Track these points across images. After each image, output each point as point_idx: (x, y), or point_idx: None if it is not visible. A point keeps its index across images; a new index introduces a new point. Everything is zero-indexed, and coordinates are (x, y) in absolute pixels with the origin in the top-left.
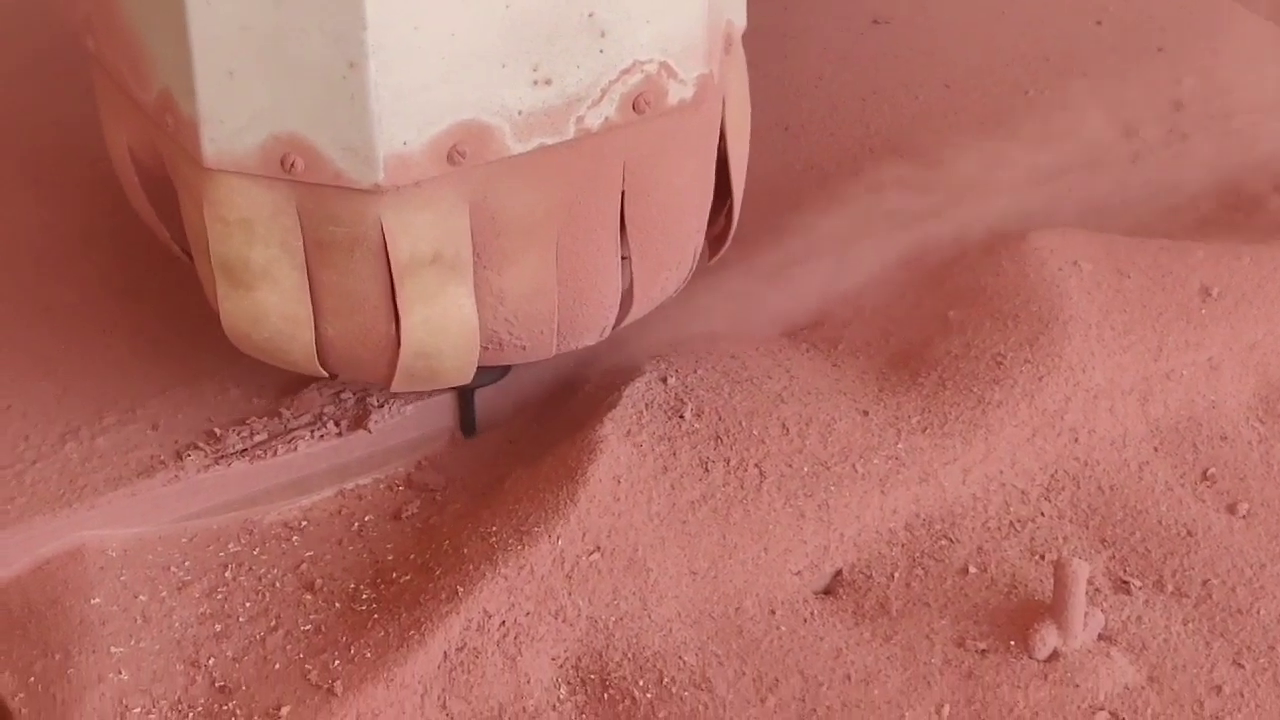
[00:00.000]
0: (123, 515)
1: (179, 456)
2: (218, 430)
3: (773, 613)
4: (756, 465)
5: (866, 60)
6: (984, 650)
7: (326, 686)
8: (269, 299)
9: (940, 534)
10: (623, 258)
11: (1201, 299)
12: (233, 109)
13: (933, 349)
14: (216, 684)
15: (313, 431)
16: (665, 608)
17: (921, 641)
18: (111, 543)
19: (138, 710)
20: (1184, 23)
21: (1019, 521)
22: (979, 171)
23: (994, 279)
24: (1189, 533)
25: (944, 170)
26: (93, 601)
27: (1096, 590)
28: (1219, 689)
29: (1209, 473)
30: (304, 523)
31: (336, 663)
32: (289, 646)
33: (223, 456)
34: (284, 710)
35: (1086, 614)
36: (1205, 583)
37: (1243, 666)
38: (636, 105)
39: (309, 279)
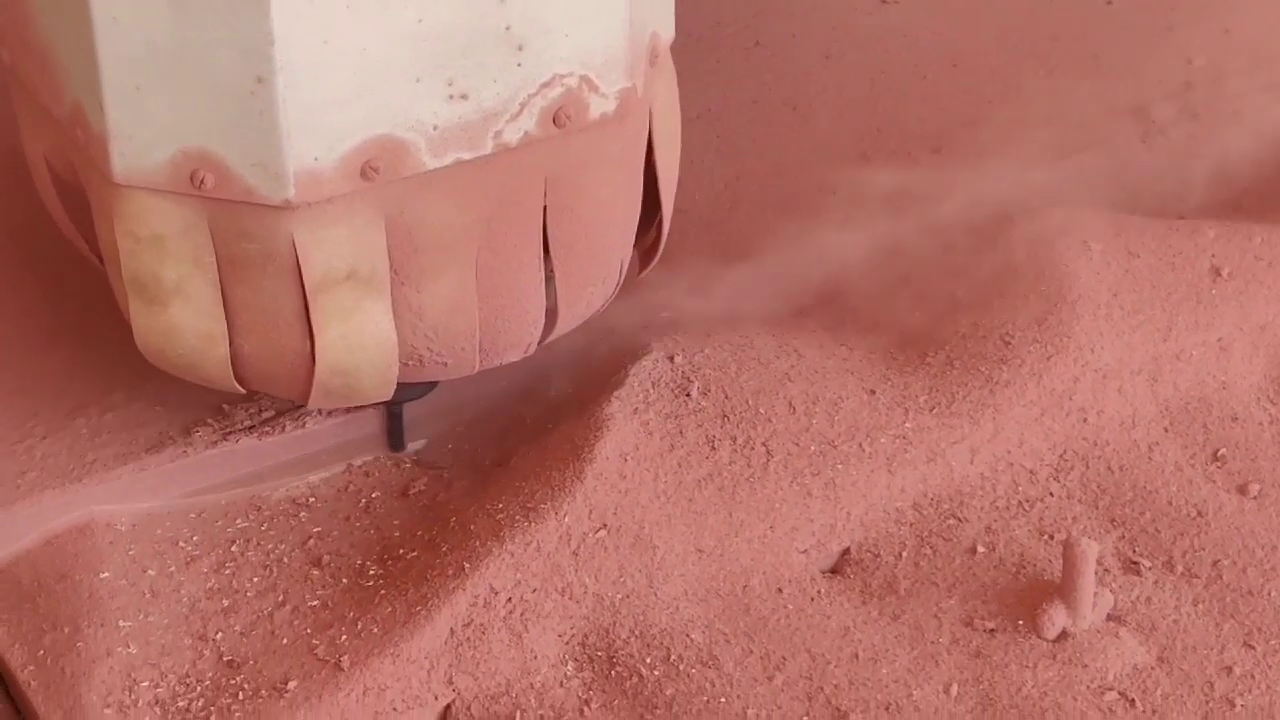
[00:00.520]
0: (131, 490)
1: (187, 432)
2: (226, 406)
3: (780, 591)
4: (763, 444)
5: (875, 39)
6: (992, 630)
7: (333, 661)
8: (182, 316)
9: (948, 513)
10: (548, 274)
11: (1212, 279)
12: (141, 124)
13: (941, 328)
14: (224, 658)
15: (321, 408)
16: (672, 585)
17: (929, 621)
18: (120, 518)
19: (146, 684)
20: (1195, 2)
21: (1028, 501)
22: (987, 151)
23: (1003, 258)
24: (1199, 513)
25: (952, 150)
26: (102, 576)
27: (1106, 570)
28: (1229, 670)
29: (1219, 453)
30: (311, 499)
31: (343, 638)
32: (296, 621)
33: (231, 432)
34: (291, 684)
35: (1095, 594)
36: (1215, 563)
37: (1253, 648)
38: (557, 119)
39: (223, 295)
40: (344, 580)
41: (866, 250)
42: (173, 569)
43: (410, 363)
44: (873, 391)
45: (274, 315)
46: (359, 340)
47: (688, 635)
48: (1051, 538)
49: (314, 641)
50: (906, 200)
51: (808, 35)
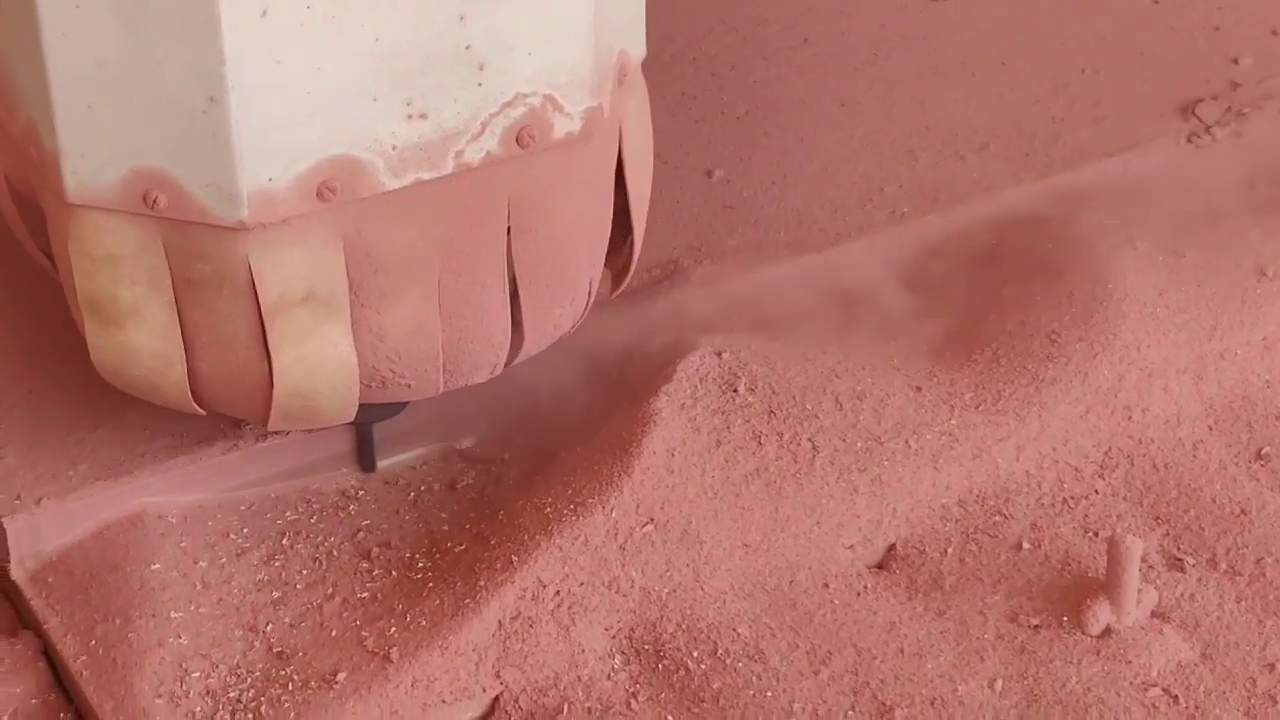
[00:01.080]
0: (182, 483)
1: (238, 425)
2: None
3: (826, 586)
4: (810, 439)
5: (923, 37)
6: (1037, 626)
7: (382, 653)
8: (138, 337)
9: (994, 510)
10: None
11: (1257, 279)
12: (93, 143)
13: (987, 325)
14: (274, 649)
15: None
16: (719, 580)
17: (975, 616)
18: (171, 509)
19: (197, 674)
20: (1241, 3)
21: (1073, 498)
22: (1035, 148)
23: (1049, 256)
24: (1243, 511)
25: (999, 147)
26: (153, 567)
27: (1150, 567)
28: (1272, 667)
29: (1263, 452)
30: (361, 492)
31: (393, 630)
32: (345, 613)
33: None
34: (340, 676)
35: (1140, 591)
36: (1259, 561)
37: None
38: (520, 139)
39: (179, 317)
40: (393, 573)
41: (913, 247)
42: (223, 561)
43: (373, 384)
44: (919, 388)
45: (231, 337)
46: (318, 362)
47: (734, 629)
48: (1096, 535)
49: (363, 633)
50: (953, 196)
51: (856, 33)
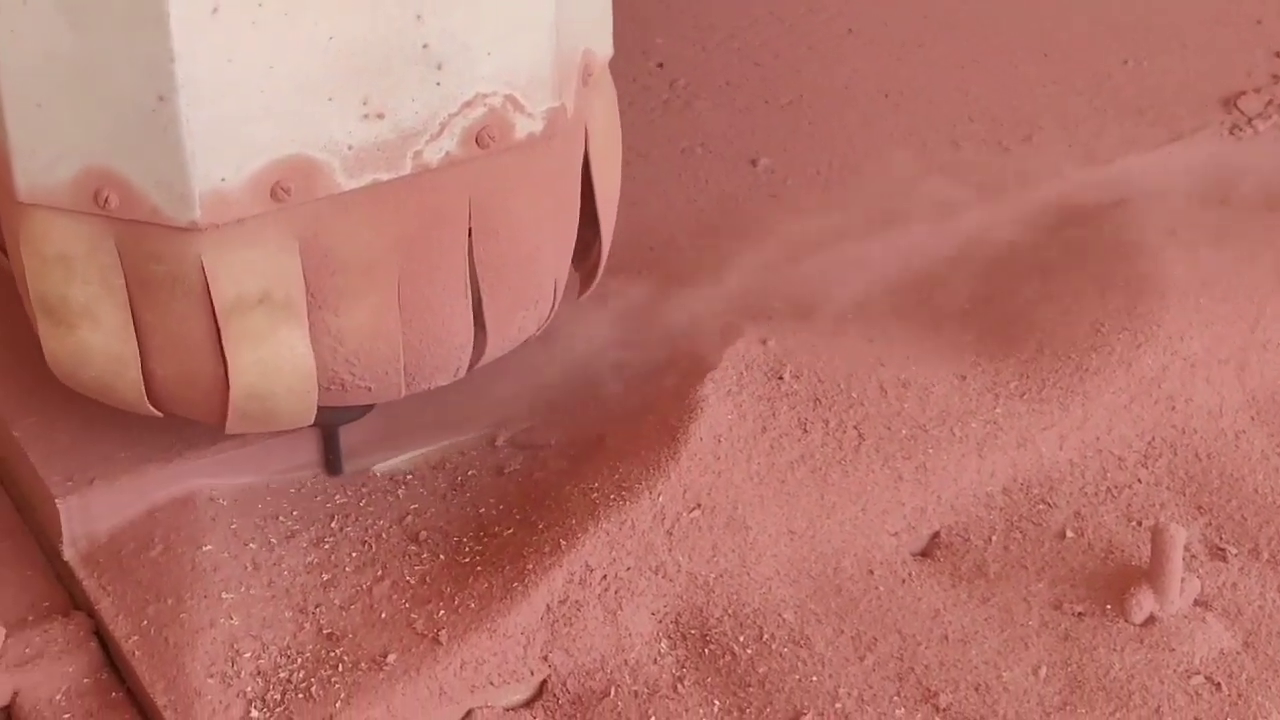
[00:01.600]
0: (232, 465)
1: None
2: None
3: (871, 573)
4: (855, 427)
5: (967, 28)
6: (1081, 613)
7: (431, 635)
8: (91, 338)
9: (1038, 498)
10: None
11: None
12: (43, 141)
13: (1031, 315)
14: (324, 631)
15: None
16: (764, 566)
17: (1019, 604)
18: (222, 492)
19: (248, 655)
20: None
21: (1116, 487)
22: (1078, 139)
23: (1093, 246)
24: None
25: (1042, 138)
26: (204, 549)
27: (1193, 556)
28: None
29: None
30: (409, 476)
31: (441, 612)
32: (395, 596)
33: None
34: (390, 657)
35: (1183, 579)
36: None
37: None
38: (480, 139)
39: (133, 318)
40: (441, 556)
41: (958, 237)
42: (273, 543)
43: (332, 387)
44: (963, 377)
45: (185, 339)
46: (275, 365)
47: (780, 615)
48: (1139, 524)
49: (412, 616)
50: (996, 187)
51: (900, 23)
